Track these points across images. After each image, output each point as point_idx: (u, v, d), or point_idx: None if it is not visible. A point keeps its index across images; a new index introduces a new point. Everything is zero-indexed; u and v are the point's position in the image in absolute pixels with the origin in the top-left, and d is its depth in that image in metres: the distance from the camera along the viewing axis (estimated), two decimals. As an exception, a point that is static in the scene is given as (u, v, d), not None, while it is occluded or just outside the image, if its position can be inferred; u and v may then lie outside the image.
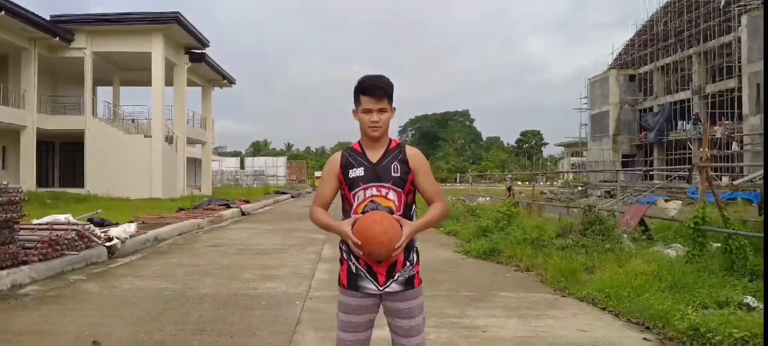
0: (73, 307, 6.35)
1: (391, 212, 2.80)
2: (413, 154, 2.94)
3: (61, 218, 10.36)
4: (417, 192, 2.95)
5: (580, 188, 35.87)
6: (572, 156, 70.67)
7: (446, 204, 2.96)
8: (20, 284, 7.38)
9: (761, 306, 6.10)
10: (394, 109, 2.94)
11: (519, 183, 42.63)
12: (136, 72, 33.49)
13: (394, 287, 2.85)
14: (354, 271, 2.88)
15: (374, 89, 2.84)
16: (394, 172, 2.85)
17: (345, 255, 2.93)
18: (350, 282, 2.88)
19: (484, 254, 10.17)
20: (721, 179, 26.51)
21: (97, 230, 10.39)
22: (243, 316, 5.95)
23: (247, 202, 26.09)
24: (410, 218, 2.87)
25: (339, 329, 2.94)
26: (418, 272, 2.93)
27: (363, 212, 2.80)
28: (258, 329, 5.44)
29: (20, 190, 7.89)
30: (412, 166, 2.89)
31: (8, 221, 7.56)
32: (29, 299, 6.74)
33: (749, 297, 6.33)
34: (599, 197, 29.61)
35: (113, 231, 10.85)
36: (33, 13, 25.90)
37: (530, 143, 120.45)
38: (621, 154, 48.21)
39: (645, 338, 5.18)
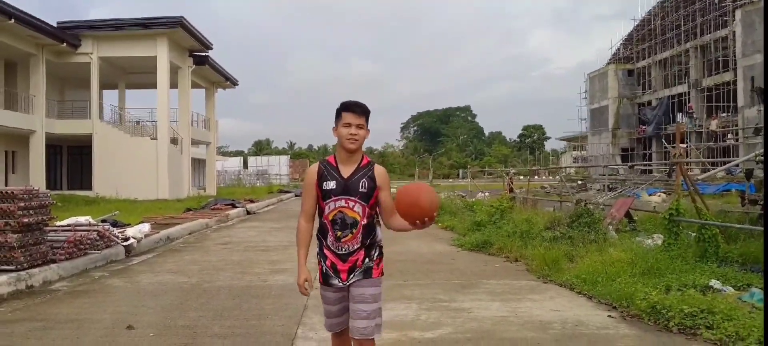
0: (102, 299, 7.06)
1: (356, 222, 3.31)
2: (380, 172, 3.41)
3: (82, 219, 11.09)
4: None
5: (579, 182, 36.54)
6: (573, 150, 71.31)
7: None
8: (50, 280, 8.10)
9: (725, 289, 6.78)
10: (369, 131, 3.38)
11: (521, 178, 43.23)
12: (141, 75, 34.27)
13: (353, 278, 3.36)
14: (324, 271, 3.41)
15: (355, 106, 3.32)
16: (362, 188, 3.32)
17: (319, 258, 3.45)
18: (324, 279, 3.42)
19: (477, 246, 10.89)
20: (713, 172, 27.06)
21: (115, 230, 11.12)
22: (256, 304, 6.68)
23: (251, 201, 26.88)
24: (373, 227, 3.39)
25: (324, 315, 3.56)
26: (378, 265, 3.41)
27: (332, 220, 3.31)
28: (271, 314, 6.18)
29: (48, 194, 8.61)
30: (378, 184, 3.36)
31: (39, 223, 8.29)
32: (61, 293, 7.45)
33: (714, 281, 7.02)
34: (598, 190, 30.26)
35: (129, 231, 11.57)
36: (41, 20, 26.62)
37: (532, 138, 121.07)
38: (620, 148, 48.81)
39: (609, 315, 5.90)
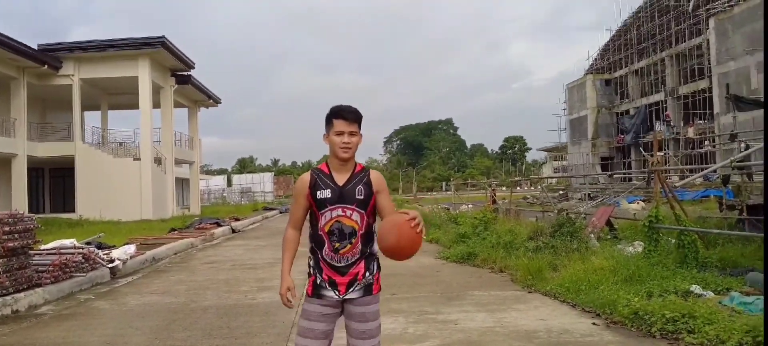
0: (89, 322, 7.06)
1: (355, 231, 3.13)
2: (376, 177, 3.24)
3: (67, 242, 11.04)
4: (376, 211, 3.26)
5: (561, 192, 36.87)
6: (554, 160, 71.95)
7: None
8: (36, 304, 8.07)
9: (705, 293, 6.94)
10: (362, 136, 3.21)
11: (503, 189, 43.54)
12: (123, 96, 34.13)
13: (352, 294, 3.16)
14: (318, 282, 3.18)
15: (346, 113, 3.14)
16: (358, 195, 3.14)
17: (312, 270, 3.22)
18: (314, 291, 3.18)
19: (462, 258, 11.01)
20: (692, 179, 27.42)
21: (100, 252, 11.08)
22: (244, 322, 6.71)
23: (236, 219, 26.81)
24: (371, 236, 3.22)
25: (297, 335, 3.21)
26: (377, 280, 3.25)
27: (329, 231, 3.13)
28: (259, 332, 6.22)
29: (33, 218, 8.59)
30: (375, 189, 3.18)
31: (24, 247, 8.27)
32: (47, 317, 7.43)
33: (695, 286, 7.17)
34: (579, 199, 30.56)
35: (114, 253, 11.53)
36: (21, 43, 26.45)
37: (514, 149, 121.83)
38: (600, 157, 49.31)
39: (594, 323, 6.03)
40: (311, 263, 3.24)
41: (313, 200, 3.18)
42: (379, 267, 3.27)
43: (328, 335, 3.19)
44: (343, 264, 3.15)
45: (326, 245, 3.15)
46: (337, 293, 3.14)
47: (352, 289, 3.15)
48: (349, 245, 3.12)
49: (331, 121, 3.17)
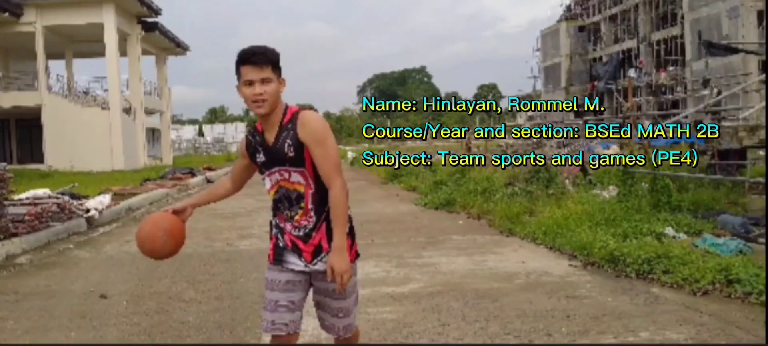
0: (70, 271, 7.03)
1: (301, 195, 2.71)
2: (305, 125, 2.66)
3: (40, 192, 10.90)
4: None
5: (534, 139, 37.17)
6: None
7: (339, 188, 2.65)
8: (14, 254, 7.97)
9: (679, 236, 7.14)
10: (284, 80, 2.71)
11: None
12: (88, 44, 33.13)
13: (321, 266, 2.73)
14: (281, 246, 2.80)
15: (253, 56, 2.62)
16: (288, 152, 2.66)
17: (273, 230, 2.86)
18: (276, 256, 2.81)
19: (440, 205, 11.16)
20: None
21: (74, 202, 10.95)
22: (227, 267, 6.78)
23: (210, 169, 26.65)
24: (327, 195, 2.68)
25: (263, 308, 2.82)
26: (349, 248, 2.72)
27: (276, 198, 2.78)
28: (242, 275, 6.31)
29: (6, 168, 8.44)
30: (302, 139, 2.64)
31: (-2, 197, 8.14)
32: (27, 266, 7.38)
33: (668, 228, 7.37)
34: (552, 147, 30.86)
35: (90, 203, 11.40)
36: (-21, -10, 25.51)
37: (487, 97, 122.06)
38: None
39: (571, 265, 6.19)
40: (273, 222, 2.88)
41: (256, 165, 2.85)
42: (351, 233, 2.79)
43: (299, 304, 2.80)
44: (301, 233, 2.75)
45: (278, 214, 2.81)
46: (303, 261, 2.75)
47: (318, 259, 2.74)
48: (300, 212, 2.72)
49: (239, 70, 2.67)
